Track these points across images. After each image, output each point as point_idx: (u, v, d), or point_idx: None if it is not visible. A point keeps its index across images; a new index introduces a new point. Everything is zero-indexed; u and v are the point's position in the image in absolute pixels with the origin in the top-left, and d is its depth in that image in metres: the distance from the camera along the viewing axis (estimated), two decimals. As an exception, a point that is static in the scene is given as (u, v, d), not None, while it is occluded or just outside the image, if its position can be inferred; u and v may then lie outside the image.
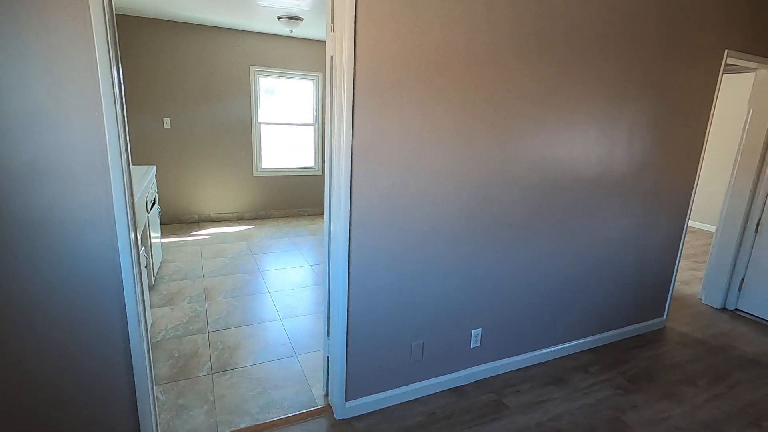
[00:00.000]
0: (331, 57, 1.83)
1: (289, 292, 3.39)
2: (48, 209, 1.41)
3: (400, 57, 1.82)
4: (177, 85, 4.84)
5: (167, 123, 4.89)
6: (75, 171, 1.41)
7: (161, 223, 5.11)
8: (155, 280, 3.45)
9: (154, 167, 3.88)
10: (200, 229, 5.05)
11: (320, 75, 5.52)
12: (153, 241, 3.43)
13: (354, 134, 1.81)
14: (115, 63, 1.43)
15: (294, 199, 5.81)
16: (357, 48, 1.72)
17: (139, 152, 4.84)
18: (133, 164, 4.83)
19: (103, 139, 1.42)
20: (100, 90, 1.38)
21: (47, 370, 1.52)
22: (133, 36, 4.55)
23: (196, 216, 5.30)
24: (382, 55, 1.79)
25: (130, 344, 1.61)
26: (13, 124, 1.32)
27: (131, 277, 1.56)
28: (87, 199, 1.45)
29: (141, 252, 2.40)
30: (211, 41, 4.89)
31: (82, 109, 1.38)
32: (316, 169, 5.85)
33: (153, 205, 3.57)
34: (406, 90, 1.87)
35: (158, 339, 2.63)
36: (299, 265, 3.98)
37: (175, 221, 5.19)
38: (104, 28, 1.36)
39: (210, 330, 2.76)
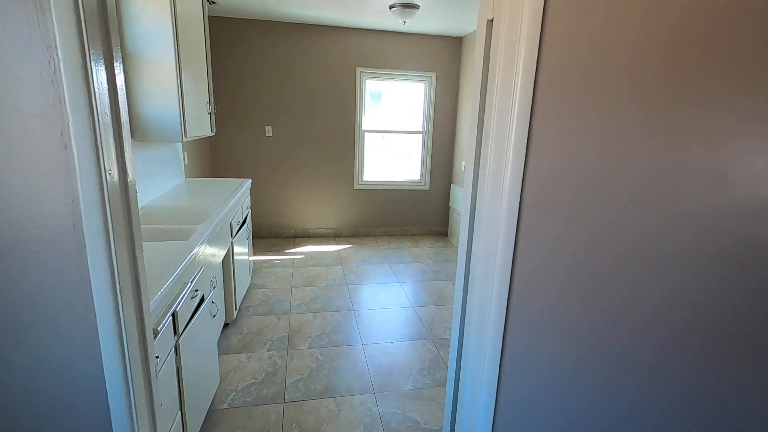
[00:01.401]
0: (489, 21, 1.04)
1: (386, 347, 2.68)
2: None
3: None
4: (280, 91, 4.50)
5: (269, 131, 4.58)
6: (17, 246, 0.84)
7: (256, 237, 4.84)
8: (238, 312, 3.01)
9: (249, 181, 3.49)
10: (295, 245, 4.65)
11: (434, 75, 4.77)
12: (239, 258, 2.99)
13: (529, 161, 1.00)
14: (102, 60, 0.82)
15: (396, 217, 5.15)
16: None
17: (237, 163, 4.61)
18: (228, 177, 4.61)
19: (74, 186, 0.82)
20: (64, 105, 0.78)
21: None
22: (237, 40, 4.30)
23: (293, 231, 4.93)
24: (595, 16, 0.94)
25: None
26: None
27: None
28: (40, 295, 0.87)
29: (210, 297, 1.90)
30: (317, 41, 4.45)
31: (32, 136, 0.79)
32: (423, 183, 5.11)
33: (243, 224, 3.15)
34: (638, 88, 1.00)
35: (225, 405, 2.10)
36: (400, 305, 3.26)
37: (272, 235, 4.88)
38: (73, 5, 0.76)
39: (287, 398, 2.16)
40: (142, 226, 2.18)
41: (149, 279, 1.42)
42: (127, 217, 0.97)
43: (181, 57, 2.43)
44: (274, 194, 4.77)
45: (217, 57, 4.30)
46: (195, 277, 1.80)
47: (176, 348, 1.55)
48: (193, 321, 1.72)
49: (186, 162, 3.63)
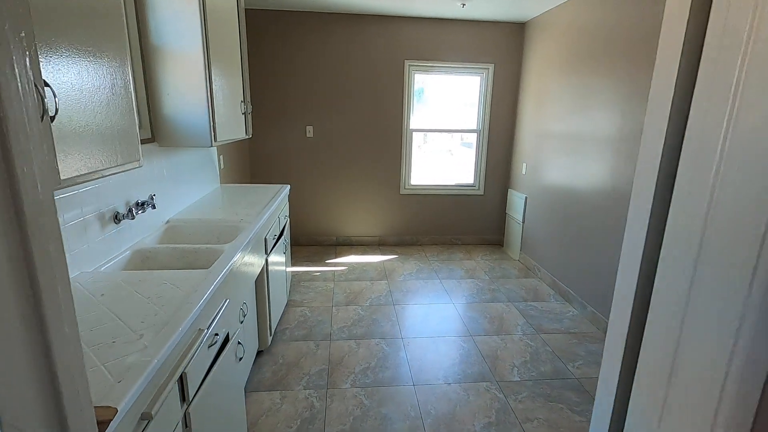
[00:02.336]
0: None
1: (442, 390, 2.25)
2: None
3: None
4: (322, 88, 4.16)
5: (310, 131, 4.26)
6: None
7: (295, 245, 4.54)
8: (273, 337, 2.69)
9: (287, 188, 3.17)
10: (337, 255, 4.31)
11: (491, 67, 4.25)
12: (275, 274, 2.67)
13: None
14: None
15: (446, 224, 4.68)
16: None
17: (277, 166, 4.33)
18: (268, 180, 4.33)
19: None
20: None
21: None
22: (277, 33, 3.99)
23: (334, 238, 4.60)
24: None
25: None
26: None
27: None
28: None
29: (235, 337, 1.55)
30: (362, 33, 4.07)
31: None
32: (477, 187, 4.61)
33: (280, 236, 2.83)
34: None
35: (253, 464, 1.76)
36: (455, 333, 2.82)
37: (312, 242, 4.58)
38: None
39: (325, 458, 1.79)
40: (162, 246, 1.88)
41: (152, 327, 1.08)
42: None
43: (211, 50, 2.11)
44: (314, 199, 4.46)
45: (254, 52, 4.02)
46: (216, 316, 1.46)
47: (186, 418, 1.21)
48: (211, 374, 1.38)
49: (222, 166, 3.37)
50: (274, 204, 2.68)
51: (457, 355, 2.57)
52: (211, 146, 2.18)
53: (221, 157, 3.33)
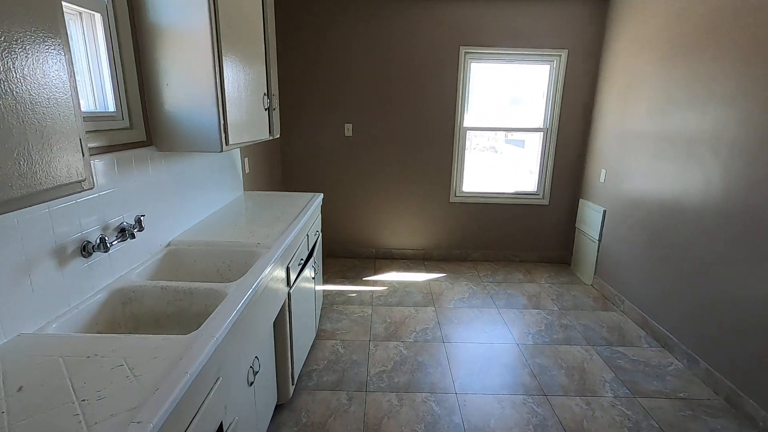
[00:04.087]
0: None
1: (515, 484, 1.66)
2: None
3: None
4: (363, 81, 3.64)
5: (348, 130, 3.76)
6: None
7: (330, 256, 4.06)
8: (296, 384, 2.20)
9: (320, 197, 2.68)
10: (376, 270, 3.79)
11: (564, 53, 3.56)
12: (301, 306, 2.19)
13: None
14: None
15: (502, 238, 4.04)
16: None
17: (311, 168, 3.86)
18: (301, 184, 3.87)
19: None
20: None
21: None
22: (313, 15, 3.50)
23: (373, 250, 4.08)
24: None
25: None
26: None
27: None
28: None
29: (233, 425, 1.05)
30: (410, 16, 3.50)
31: None
32: (540, 196, 3.93)
33: (309, 258, 2.35)
34: None
35: None
36: (525, 391, 2.21)
37: (348, 254, 4.08)
38: None
39: None
40: (150, 284, 1.43)
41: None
42: None
43: (222, 29, 1.63)
44: (352, 204, 3.96)
45: (286, 38, 3.55)
46: (195, 415, 0.96)
47: None
48: None
49: (247, 170, 2.92)
50: (302, 219, 2.18)
51: (530, 427, 1.97)
52: (221, 151, 1.71)
53: (246, 159, 2.89)
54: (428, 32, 3.53)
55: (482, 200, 3.94)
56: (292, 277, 1.96)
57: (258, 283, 1.46)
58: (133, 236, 1.50)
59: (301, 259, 2.15)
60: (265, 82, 2.13)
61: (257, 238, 1.88)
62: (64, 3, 1.34)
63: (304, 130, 3.76)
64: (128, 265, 1.54)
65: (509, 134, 4.17)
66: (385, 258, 4.09)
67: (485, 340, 2.68)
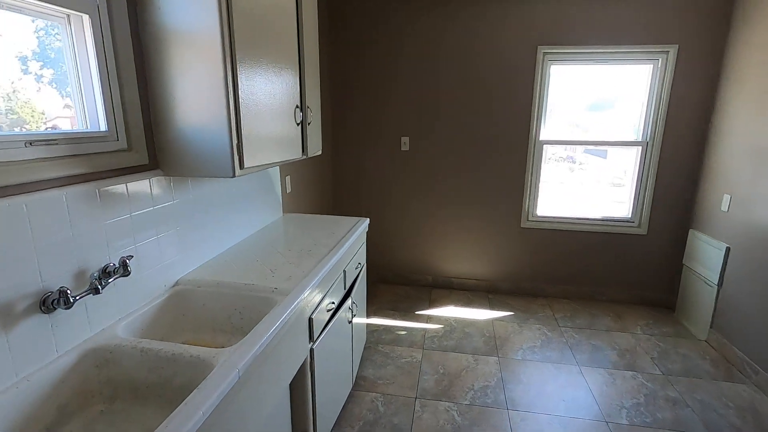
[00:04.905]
0: None
1: None
2: None
3: None
4: (423, 89, 3.25)
5: (405, 143, 3.38)
6: None
7: (381, 281, 3.68)
8: (322, 453, 1.83)
9: (364, 223, 2.32)
10: (431, 302, 3.34)
11: (672, 50, 2.87)
12: (325, 362, 1.84)
13: None
14: None
15: (585, 271, 3.39)
16: None
17: (361, 185, 3.52)
18: (347, 204, 3.56)
19: None
20: None
21: None
22: (366, 16, 3.18)
23: (429, 278, 3.64)
24: None
25: None
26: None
27: None
28: None
29: None
30: (479, 14, 3.05)
31: None
32: (636, 223, 3.23)
33: (346, 297, 1.99)
34: None
35: None
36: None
37: (400, 280, 3.68)
38: None
39: None
40: (128, 343, 1.15)
41: None
42: None
43: (237, 32, 1.33)
44: (407, 225, 3.55)
45: (333, 39, 3.27)
46: None
47: None
48: None
49: (289, 190, 2.66)
50: (339, 252, 1.83)
51: None
52: (233, 176, 1.40)
53: (287, 178, 2.62)
54: (499, 31, 3.05)
55: (561, 226, 3.32)
56: (317, 330, 1.60)
57: (261, 347, 1.12)
58: (126, 274, 1.23)
59: (332, 303, 1.79)
60: (299, 93, 1.82)
61: (277, 279, 1.55)
62: (45, 4, 1.12)
63: (355, 143, 3.45)
64: (115, 314, 1.28)
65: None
66: (442, 287, 3.62)
67: (563, 412, 2.11)
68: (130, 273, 1.25)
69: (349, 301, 2.02)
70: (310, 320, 1.54)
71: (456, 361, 2.54)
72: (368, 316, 3.09)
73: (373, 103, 3.34)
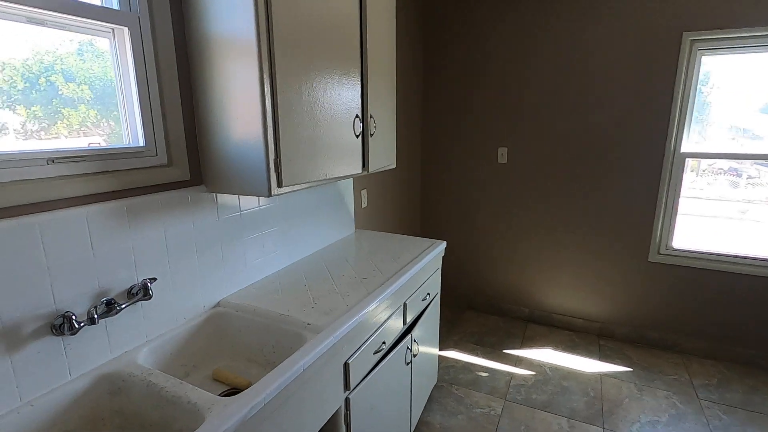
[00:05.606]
0: None
1: None
2: None
3: None
4: (526, 92, 2.80)
5: (503, 155, 2.97)
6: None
7: (468, 308, 3.28)
8: None
9: (440, 246, 2.04)
10: (524, 340, 2.86)
11: None
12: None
13: None
14: None
15: (739, 326, 2.55)
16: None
17: (451, 201, 3.19)
18: (433, 221, 3.26)
19: None
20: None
21: None
22: (459, 8, 2.86)
23: (526, 310, 3.14)
24: None
25: None
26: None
27: None
28: None
29: None
30: (599, 2, 2.51)
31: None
32: (832, 269, 2.31)
33: (407, 333, 1.73)
34: None
35: None
36: None
37: (491, 309, 3.25)
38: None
39: None
40: (141, 372, 1.07)
41: None
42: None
43: (275, 31, 1.18)
44: (503, 247, 3.12)
45: (419, 35, 3.01)
46: None
47: None
48: None
49: (365, 204, 2.49)
50: (397, 282, 1.59)
51: None
52: (270, 195, 1.26)
53: (364, 192, 2.46)
54: (630, 16, 2.46)
55: (709, 264, 2.56)
56: (356, 377, 1.37)
57: (267, 397, 0.95)
58: (147, 297, 1.17)
59: (383, 343, 1.54)
60: (359, 102, 1.62)
61: (315, 312, 1.36)
62: (89, 20, 1.10)
63: (446, 155, 3.15)
64: (141, 337, 1.22)
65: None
66: (540, 323, 3.09)
67: None
68: (151, 296, 1.18)
69: (408, 339, 1.75)
70: (346, 365, 1.32)
71: (544, 424, 2.07)
72: (446, 348, 2.76)
73: (466, 109, 3.00)
